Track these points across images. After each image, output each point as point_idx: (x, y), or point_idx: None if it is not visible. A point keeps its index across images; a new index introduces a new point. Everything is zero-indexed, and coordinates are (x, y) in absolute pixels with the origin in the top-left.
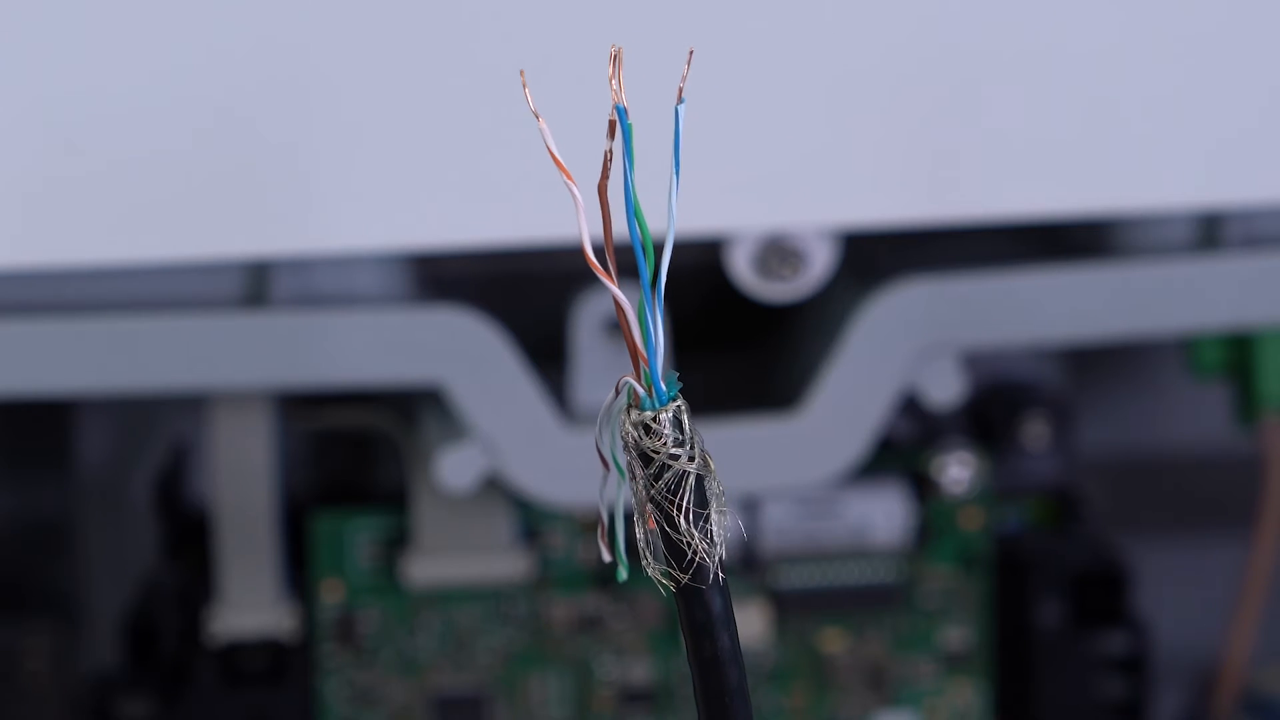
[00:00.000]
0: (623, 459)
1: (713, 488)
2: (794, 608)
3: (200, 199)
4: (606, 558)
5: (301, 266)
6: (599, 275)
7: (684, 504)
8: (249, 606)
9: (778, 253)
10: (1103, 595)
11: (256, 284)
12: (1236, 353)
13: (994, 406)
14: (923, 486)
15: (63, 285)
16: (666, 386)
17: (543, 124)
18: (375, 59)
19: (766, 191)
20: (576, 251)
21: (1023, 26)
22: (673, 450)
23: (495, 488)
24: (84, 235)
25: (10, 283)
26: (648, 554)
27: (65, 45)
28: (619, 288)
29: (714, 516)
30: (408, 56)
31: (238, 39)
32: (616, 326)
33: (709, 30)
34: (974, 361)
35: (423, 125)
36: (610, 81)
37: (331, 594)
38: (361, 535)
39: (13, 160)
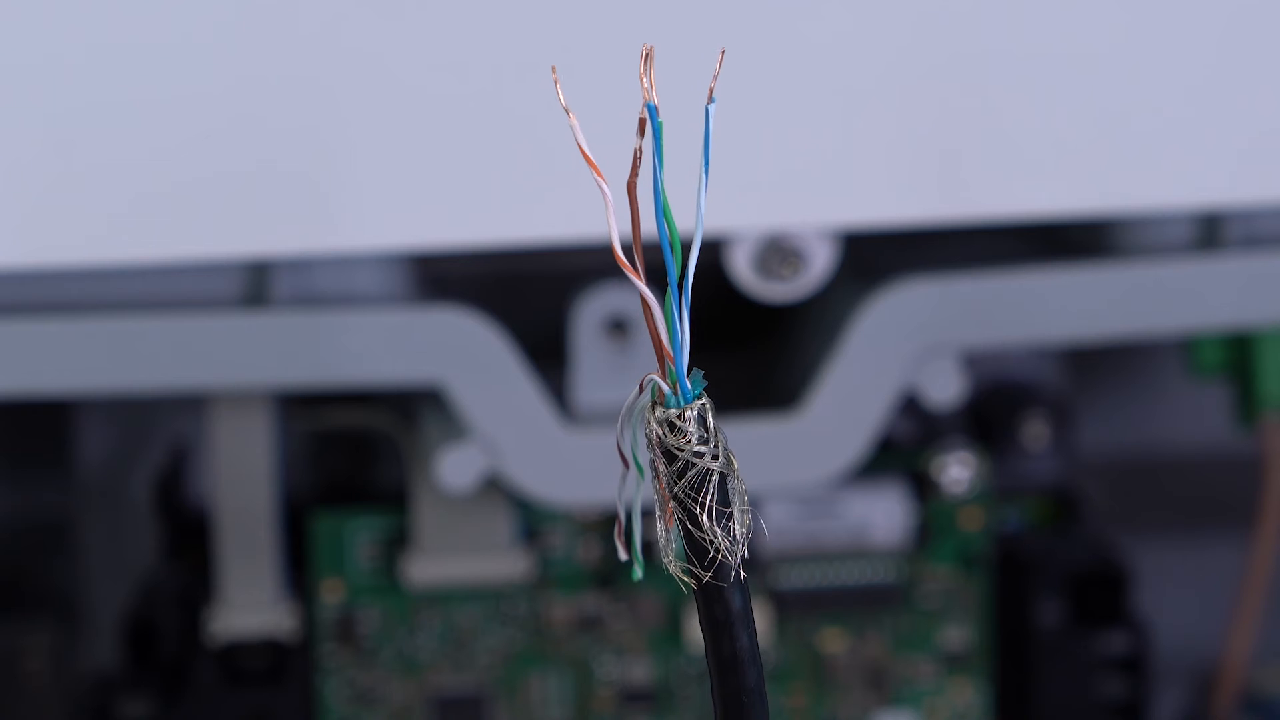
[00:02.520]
0: (644, 457)
1: (735, 486)
2: (794, 608)
3: (201, 199)
4: (623, 556)
5: (301, 266)
6: (627, 272)
7: (707, 502)
8: (249, 606)
9: (778, 253)
10: (1103, 595)
11: (256, 284)
12: (1236, 353)
13: (994, 406)
14: (923, 486)
15: (63, 285)
16: (691, 384)
17: (573, 119)
18: (377, 59)
19: (766, 191)
20: (577, 251)
21: (1023, 27)
22: (697, 448)
23: (495, 488)
24: (84, 235)
25: (10, 283)
26: (668, 552)
27: (67, 45)
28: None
29: (736, 515)
30: (409, 57)
31: (239, 39)
32: (617, 326)
33: (709, 30)
34: (974, 361)
35: (423, 125)
36: (641, 79)
37: (331, 594)
38: (361, 535)
39: (13, 160)
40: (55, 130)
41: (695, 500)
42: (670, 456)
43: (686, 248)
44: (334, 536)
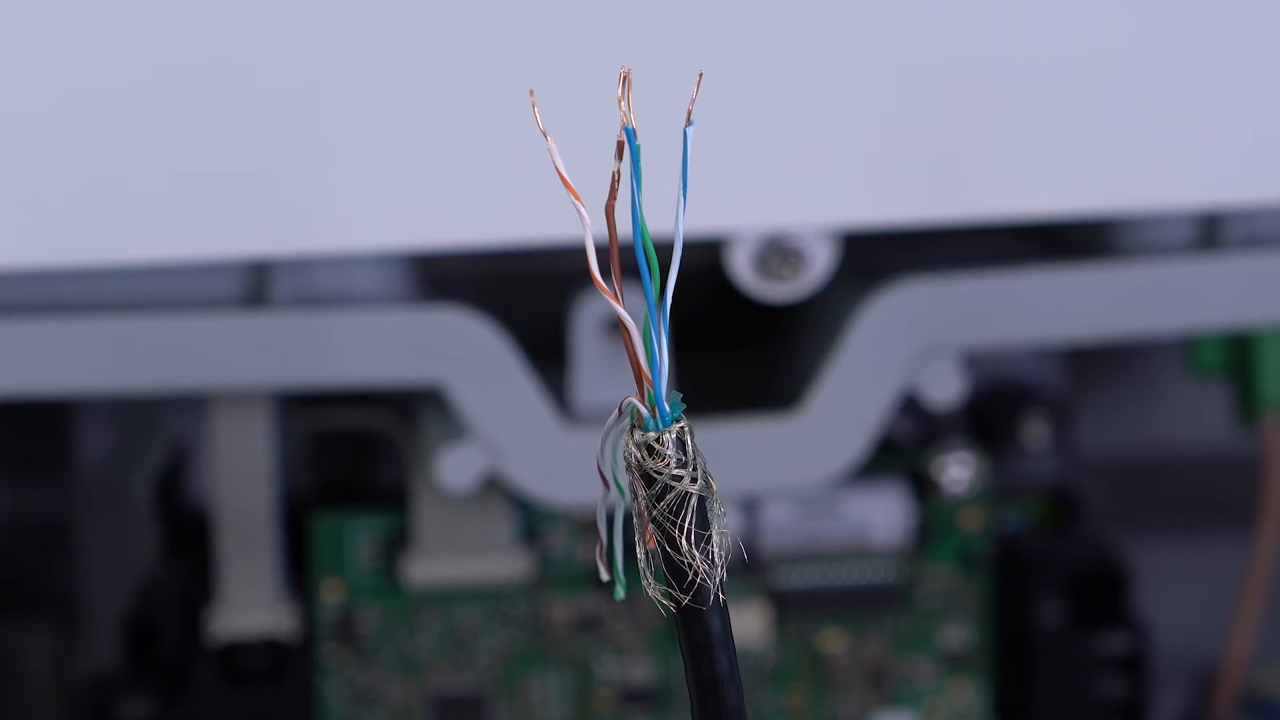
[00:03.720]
0: (624, 479)
1: (714, 509)
2: (794, 608)
3: (200, 199)
4: (605, 577)
5: (301, 266)
6: (604, 295)
7: (686, 525)
8: (249, 606)
9: (778, 253)
10: (1103, 595)
11: (256, 284)
12: (1236, 353)
13: (994, 406)
14: (923, 486)
15: (63, 285)
16: (670, 407)
17: (551, 143)
18: (376, 60)
19: (766, 191)
20: (577, 251)
21: (1022, 27)
22: (675, 471)
23: (495, 488)
24: (84, 235)
25: (10, 283)
26: (648, 574)
27: (66, 45)
28: (623, 305)
29: (715, 538)
30: (408, 57)
31: (239, 40)
32: (616, 327)
33: (710, 31)
34: (974, 361)
35: (423, 126)
36: (619, 103)
37: (331, 594)
38: (361, 535)
39: (13, 160)
40: (55, 131)
41: (674, 523)
42: (649, 479)
43: (665, 268)
44: (334, 536)
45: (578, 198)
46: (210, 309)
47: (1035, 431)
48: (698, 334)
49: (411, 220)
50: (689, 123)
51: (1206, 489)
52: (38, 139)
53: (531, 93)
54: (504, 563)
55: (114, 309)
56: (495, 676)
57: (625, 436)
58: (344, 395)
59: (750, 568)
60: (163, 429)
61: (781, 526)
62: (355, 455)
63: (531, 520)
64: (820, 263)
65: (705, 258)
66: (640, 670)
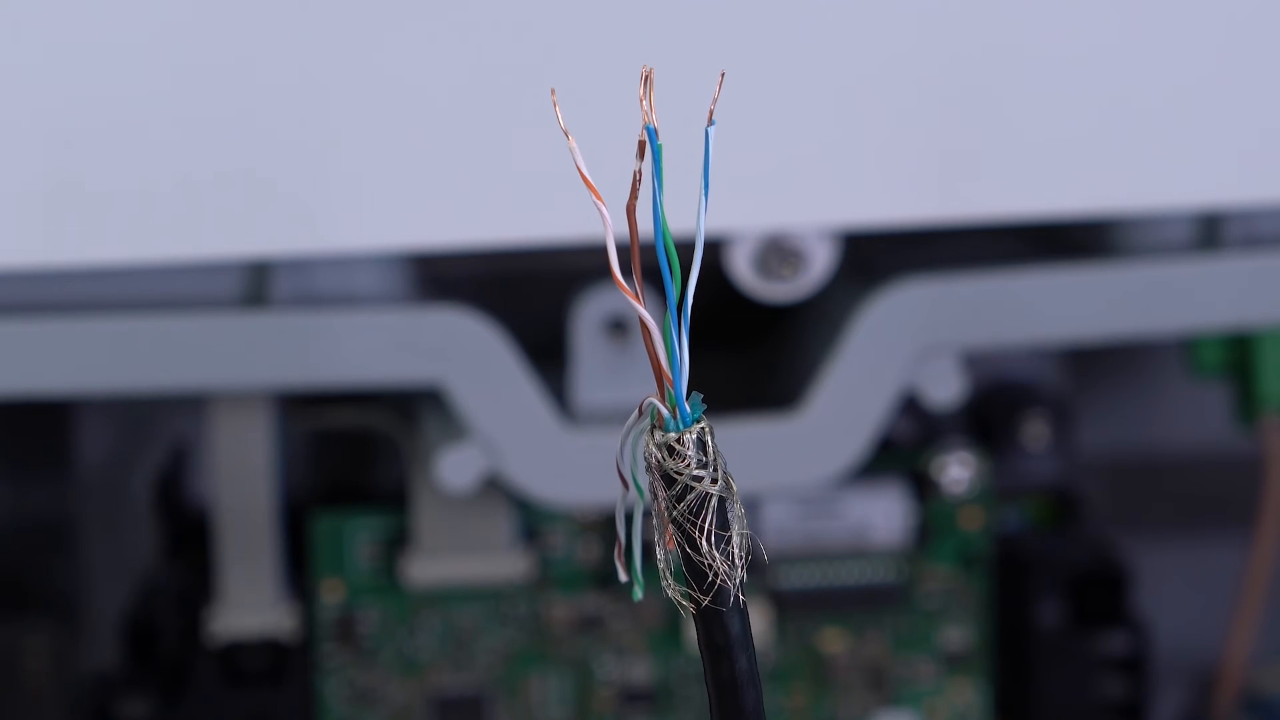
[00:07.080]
0: (643, 479)
1: (734, 510)
2: (794, 608)
3: (201, 199)
4: (623, 578)
5: (301, 266)
6: (626, 296)
7: (706, 526)
8: (249, 606)
9: (778, 253)
10: (1103, 595)
11: (256, 284)
12: (1236, 353)
13: (994, 406)
14: (923, 486)
15: (63, 285)
16: (691, 407)
17: (572, 142)
18: (376, 59)
19: (766, 191)
20: (577, 251)
21: (1023, 27)
22: (696, 472)
23: (495, 488)
24: (84, 235)
25: (10, 283)
26: (667, 575)
27: (67, 46)
28: (643, 305)
29: (735, 539)
30: (408, 57)
31: (239, 39)
32: (617, 326)
33: (710, 29)
34: (974, 361)
35: (423, 125)
36: (641, 102)
37: (331, 594)
38: (361, 535)
39: (14, 160)
40: (56, 130)
41: (694, 524)
42: (669, 480)
43: (686, 268)
44: (334, 536)
45: (599, 197)
46: (210, 309)
47: (1035, 431)
48: (697, 334)
49: (411, 220)
50: (711, 122)
51: (1206, 489)
52: (38, 139)
53: (553, 91)
54: (504, 563)
55: (114, 309)
56: (495, 676)
57: (645, 437)
58: (344, 395)
59: (750, 568)
60: (163, 429)
61: (782, 526)
62: (355, 455)
63: (531, 520)
64: (820, 263)
65: (705, 258)
66: (640, 670)
